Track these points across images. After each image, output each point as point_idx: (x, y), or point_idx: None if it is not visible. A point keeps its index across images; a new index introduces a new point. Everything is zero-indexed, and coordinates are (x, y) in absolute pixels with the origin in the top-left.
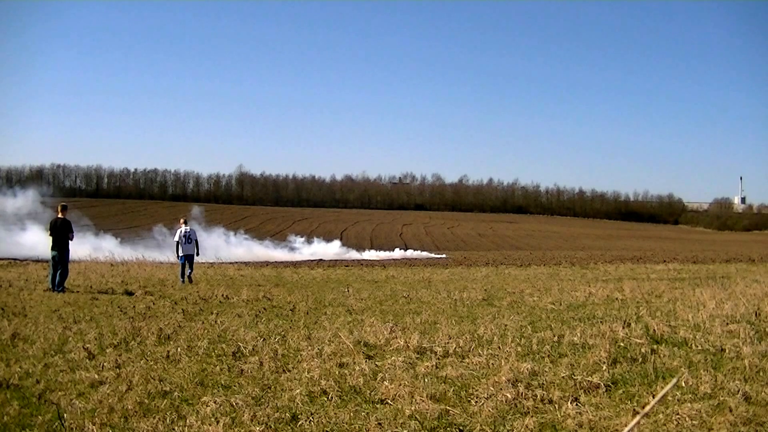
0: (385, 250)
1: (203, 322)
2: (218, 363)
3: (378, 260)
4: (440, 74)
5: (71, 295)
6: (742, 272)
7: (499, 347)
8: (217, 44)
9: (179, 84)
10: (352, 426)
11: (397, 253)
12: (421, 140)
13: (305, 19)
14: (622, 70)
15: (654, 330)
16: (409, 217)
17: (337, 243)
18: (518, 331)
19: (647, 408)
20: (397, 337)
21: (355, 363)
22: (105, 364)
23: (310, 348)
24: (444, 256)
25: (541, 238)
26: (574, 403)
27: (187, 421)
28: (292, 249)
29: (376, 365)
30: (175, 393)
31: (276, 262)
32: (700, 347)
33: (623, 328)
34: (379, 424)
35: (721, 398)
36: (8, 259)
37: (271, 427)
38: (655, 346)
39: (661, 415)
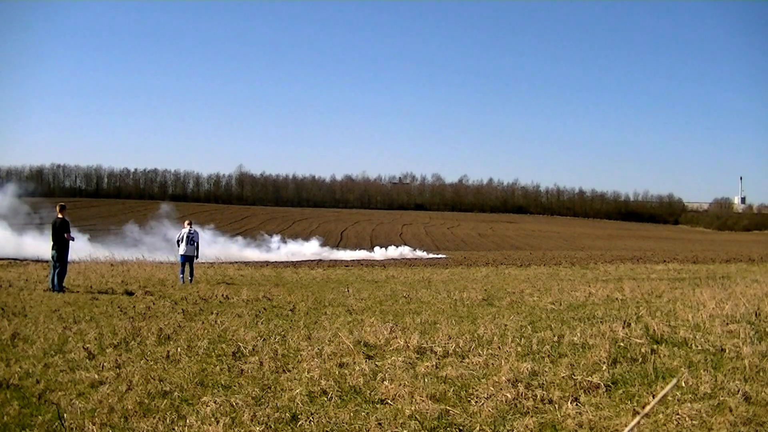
0: (361, 249)
1: (203, 322)
2: (218, 363)
3: (359, 260)
4: (440, 74)
5: (71, 295)
6: (742, 272)
7: (499, 347)
8: (217, 44)
9: (179, 84)
10: (352, 426)
11: (378, 253)
12: (421, 140)
13: (305, 19)
14: (622, 70)
15: (654, 330)
16: (409, 217)
17: (315, 243)
18: (518, 331)
19: (647, 408)
20: (397, 337)
21: (355, 363)
22: (105, 364)
23: (310, 348)
24: (444, 256)
25: (541, 238)
26: (574, 403)
27: (187, 421)
28: (268, 249)
29: (376, 365)
30: (175, 393)
31: (276, 262)
32: (700, 347)
33: (623, 328)
34: (379, 424)
35: (721, 398)
36: (8, 259)
37: (271, 427)
38: (655, 346)
39: (661, 415)
